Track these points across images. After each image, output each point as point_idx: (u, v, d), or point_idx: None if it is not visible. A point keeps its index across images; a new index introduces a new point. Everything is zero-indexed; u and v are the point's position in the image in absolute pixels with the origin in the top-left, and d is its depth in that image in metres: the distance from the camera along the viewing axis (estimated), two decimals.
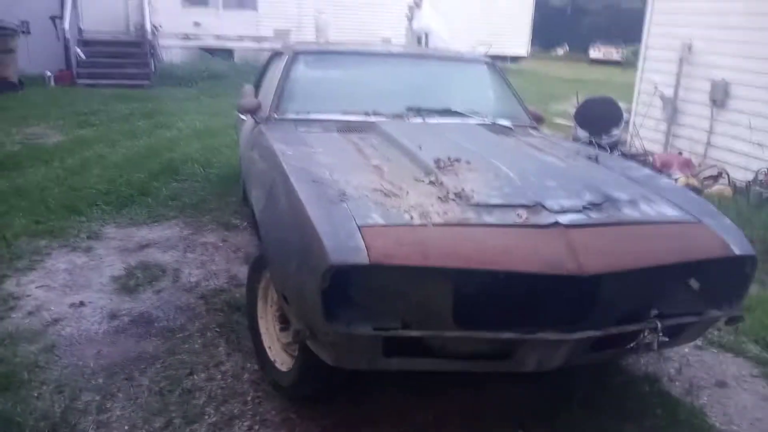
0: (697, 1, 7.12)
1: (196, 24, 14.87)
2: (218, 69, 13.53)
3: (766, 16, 6.19)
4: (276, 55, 4.45)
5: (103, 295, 3.47)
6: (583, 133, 7.26)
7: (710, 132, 6.88)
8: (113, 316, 3.23)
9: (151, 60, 12.76)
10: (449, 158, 2.63)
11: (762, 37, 6.21)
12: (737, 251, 2.27)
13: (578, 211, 2.21)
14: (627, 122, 7.95)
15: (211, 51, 14.80)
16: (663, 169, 6.45)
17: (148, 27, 12.95)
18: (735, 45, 6.56)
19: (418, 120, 3.51)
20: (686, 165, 6.63)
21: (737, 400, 2.81)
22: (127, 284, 3.59)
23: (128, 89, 11.37)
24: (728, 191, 5.98)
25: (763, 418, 2.68)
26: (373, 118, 3.43)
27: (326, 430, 2.43)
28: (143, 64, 12.57)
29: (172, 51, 14.25)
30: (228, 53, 15.02)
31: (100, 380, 2.66)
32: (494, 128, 3.51)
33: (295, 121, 3.42)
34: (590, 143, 6.64)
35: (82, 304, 3.34)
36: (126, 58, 12.60)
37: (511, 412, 2.58)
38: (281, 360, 2.60)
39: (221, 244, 4.32)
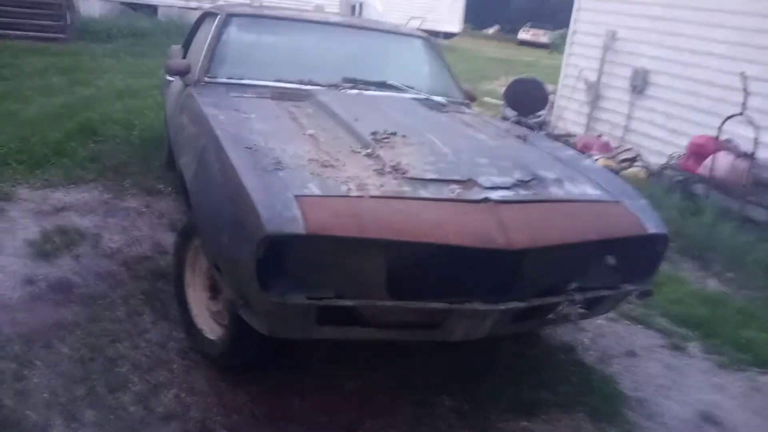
0: None
1: None
2: (141, 26, 12.86)
3: (686, 8, 6.51)
4: (207, 15, 4.28)
5: (17, 259, 3.29)
6: (511, 113, 7.44)
7: (629, 117, 7.22)
8: (29, 281, 3.07)
9: (67, 12, 11.96)
10: (386, 131, 2.65)
11: (682, 29, 6.54)
12: (651, 230, 2.42)
13: (508, 188, 2.29)
14: (552, 104, 8.21)
15: (133, 6, 14.04)
16: (584, 150, 6.73)
17: None
18: (656, 35, 6.87)
19: (354, 91, 3.49)
20: (605, 147, 6.95)
21: (644, 369, 3.02)
22: (43, 248, 3.41)
23: (42, 42, 10.64)
24: (643, 173, 6.33)
25: (666, 384, 2.90)
26: (308, 87, 3.39)
27: (255, 397, 2.43)
28: (59, 15, 11.76)
29: (91, 4, 13.41)
30: (152, 9, 14.29)
31: (16, 348, 2.54)
32: (429, 104, 3.55)
33: (226, 85, 3.32)
34: (519, 123, 6.83)
35: None
36: (40, 9, 11.74)
37: (437, 382, 2.66)
38: (210, 329, 2.57)
39: (144, 210, 4.17)
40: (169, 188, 4.54)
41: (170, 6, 14.29)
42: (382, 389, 2.59)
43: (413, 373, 2.71)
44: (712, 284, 4.09)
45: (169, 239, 3.58)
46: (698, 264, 4.36)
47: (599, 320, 3.35)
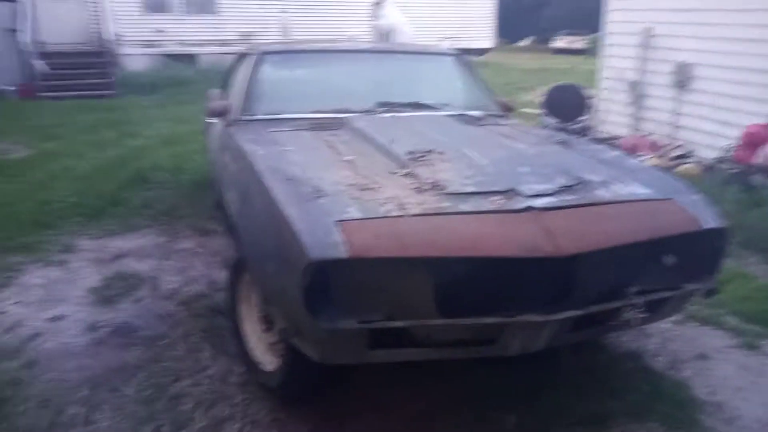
0: None
1: (158, 30, 14.68)
2: (182, 75, 13.36)
3: None
4: (242, 56, 4.41)
5: (81, 307, 3.41)
6: (551, 121, 7.35)
7: (675, 113, 7.02)
8: (92, 327, 3.18)
9: (113, 69, 12.56)
10: (422, 150, 2.65)
11: (718, 18, 6.35)
12: (708, 225, 2.32)
13: (551, 195, 2.24)
14: (594, 108, 8.06)
15: (174, 57, 14.62)
16: (632, 151, 6.57)
17: (110, 36, 12.75)
18: (694, 27, 6.69)
19: (389, 115, 3.52)
20: (654, 146, 6.76)
21: (719, 371, 2.87)
22: (105, 295, 3.53)
23: (92, 100, 11.18)
24: (696, 169, 6.11)
25: (743, 386, 2.75)
26: (343, 115, 3.43)
27: (316, 427, 2.43)
28: (105, 73, 12.36)
29: (135, 59, 14.05)
30: (192, 58, 14.85)
31: (85, 392, 2.62)
32: (464, 119, 3.54)
33: (264, 121, 3.40)
34: (560, 129, 6.73)
35: (60, 317, 3.28)
36: (88, 69, 12.36)
37: (498, 398, 2.60)
38: (267, 360, 2.59)
39: (199, 250, 4.28)
40: (221, 227, 4.65)
41: (209, 54, 14.82)
42: (443, 408, 2.54)
43: (473, 390, 2.66)
44: None
45: (223, 276, 3.65)
46: (765, 257, 4.15)
47: (665, 324, 3.22)
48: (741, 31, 6.12)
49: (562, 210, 2.19)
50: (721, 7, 6.34)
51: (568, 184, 2.35)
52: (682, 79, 6.83)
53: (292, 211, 2.11)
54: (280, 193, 2.26)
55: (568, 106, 6.99)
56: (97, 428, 2.40)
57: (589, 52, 21.54)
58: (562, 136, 3.38)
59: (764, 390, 2.72)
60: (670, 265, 2.46)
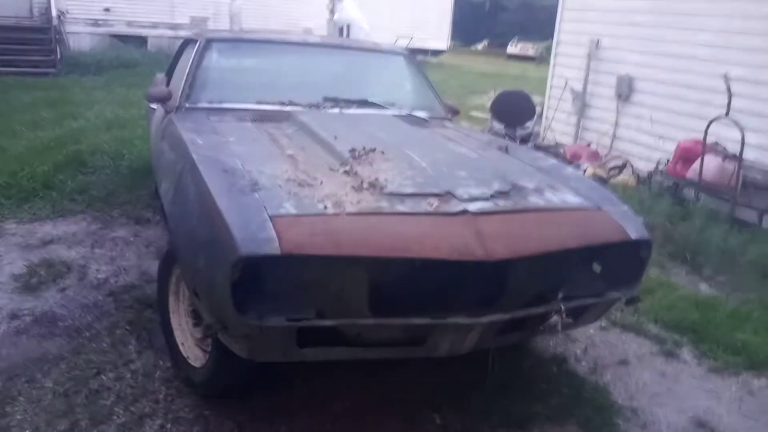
0: None
1: (107, 9, 14.16)
2: (130, 57, 12.95)
3: (667, 14, 6.57)
4: (188, 42, 4.31)
5: (3, 294, 3.26)
6: (498, 126, 7.48)
7: (616, 125, 7.25)
8: (14, 316, 3.05)
9: (57, 47, 12.06)
10: (364, 148, 2.65)
11: (663, 35, 6.59)
12: (634, 236, 2.40)
13: (486, 199, 2.27)
14: (540, 115, 8.24)
15: (123, 38, 14.16)
16: (573, 159, 6.74)
17: (54, 12, 12.23)
18: (639, 41, 6.92)
19: (335, 110, 3.50)
20: (594, 156, 6.96)
21: (638, 377, 2.98)
22: (29, 282, 3.39)
23: (32, 77, 10.71)
24: (632, 181, 6.33)
25: (660, 392, 2.86)
26: (288, 108, 3.40)
27: (241, 425, 2.40)
28: (48, 51, 11.86)
29: (80, 37, 13.53)
30: (141, 41, 14.41)
31: (0, 383, 2.51)
32: (410, 119, 3.55)
33: (207, 110, 3.33)
34: (506, 135, 6.85)
35: None
36: (30, 45, 11.84)
37: (427, 398, 2.63)
38: (194, 356, 2.55)
39: (132, 239, 4.16)
40: (158, 216, 4.53)
41: (159, 36, 14.42)
42: (371, 408, 2.55)
43: (402, 391, 2.68)
44: (704, 288, 4.07)
45: (155, 267, 3.55)
46: (689, 268, 4.33)
47: (591, 330, 3.33)
48: (682, 48, 6.36)
49: (495, 215, 2.23)
50: (665, 24, 6.58)
51: (503, 189, 2.39)
52: (624, 91, 7.06)
53: (225, 203, 2.07)
54: (214, 184, 2.21)
55: (515, 111, 7.12)
56: (9, 421, 2.30)
57: (540, 59, 22.02)
58: (503, 141, 3.44)
59: (679, 396, 2.84)
60: (596, 272, 2.55)
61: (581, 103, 7.71)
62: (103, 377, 2.60)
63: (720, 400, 2.84)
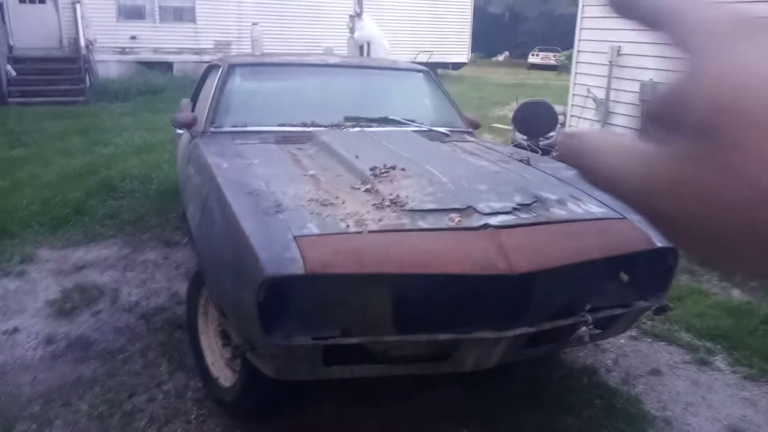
0: None
1: (133, 37, 14.58)
2: (157, 83, 13.28)
3: None
4: (212, 67, 4.41)
5: (38, 319, 3.36)
6: (521, 137, 7.45)
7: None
8: (49, 341, 3.13)
9: (85, 75, 12.42)
10: (385, 166, 2.67)
11: None
12: (659, 244, 2.37)
13: (508, 213, 2.28)
14: (563, 124, 8.19)
15: (149, 65, 14.52)
16: None
17: (82, 42, 12.62)
18: (660, 47, 6.82)
19: (356, 129, 3.54)
20: None
21: (671, 387, 2.93)
22: (63, 307, 3.48)
23: (63, 106, 11.03)
24: None
25: (694, 402, 2.81)
26: (310, 129, 3.45)
27: None
28: (78, 80, 12.22)
29: (108, 65, 13.93)
30: (167, 66, 14.76)
31: (36, 408, 2.58)
32: (430, 135, 3.58)
33: (231, 133, 3.40)
34: (527, 146, 6.82)
35: (16, 330, 3.23)
36: (60, 75, 12.22)
37: (454, 414, 2.62)
38: (224, 376, 2.58)
39: (162, 262, 4.24)
40: (186, 239, 4.61)
41: (184, 61, 14.75)
42: (400, 424, 2.55)
43: (430, 406, 2.68)
44: (736, 294, 3.98)
45: (185, 289, 3.62)
46: (720, 274, 4.25)
47: (621, 339, 3.28)
48: None
49: (518, 228, 2.23)
50: None
51: (525, 202, 2.39)
52: (648, 97, 6.99)
53: (249, 225, 2.11)
54: (239, 206, 2.25)
55: (537, 122, 7.07)
56: None
57: (562, 68, 21.91)
58: (525, 153, 3.44)
59: (713, 405, 2.78)
60: (623, 282, 2.53)
61: (605, 111, 7.65)
62: (136, 399, 2.65)
63: (756, 408, 2.78)
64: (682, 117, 0.26)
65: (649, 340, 3.35)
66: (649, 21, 0.31)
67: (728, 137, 0.25)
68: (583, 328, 2.28)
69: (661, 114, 0.27)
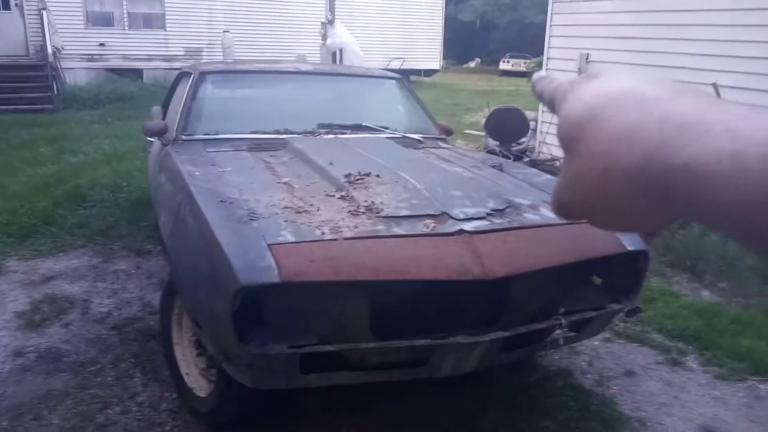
0: (593, 14, 7.56)
1: (102, 44, 14.37)
2: (126, 90, 13.08)
3: (654, 26, 6.65)
4: (183, 75, 4.37)
5: (7, 332, 3.28)
6: (493, 143, 7.52)
7: None
8: (18, 353, 3.06)
9: (53, 83, 12.18)
10: (359, 172, 2.68)
11: (653, 46, 6.66)
12: (630, 247, 2.42)
13: (482, 218, 2.30)
14: (534, 130, 8.29)
15: (118, 71, 14.32)
16: None
17: (50, 49, 12.38)
18: (628, 54, 6.99)
19: (330, 136, 3.54)
20: None
21: (644, 387, 2.98)
22: (33, 319, 3.41)
23: (31, 114, 10.80)
24: None
25: (667, 402, 2.86)
26: (284, 136, 3.44)
27: None
28: (45, 87, 11.98)
29: (76, 73, 13.69)
30: (137, 73, 14.57)
31: (5, 423, 2.51)
32: (404, 142, 3.59)
33: (203, 141, 3.37)
34: (499, 152, 6.89)
35: None
36: (27, 83, 11.96)
37: (434, 420, 2.63)
38: (200, 386, 2.55)
39: (134, 271, 4.18)
40: (158, 248, 4.54)
41: (155, 68, 14.58)
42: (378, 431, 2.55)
43: (408, 412, 2.68)
44: (706, 295, 4.07)
45: (158, 298, 3.57)
46: (690, 276, 4.34)
47: (595, 342, 3.33)
48: (671, 59, 6.43)
49: (492, 233, 2.25)
50: (654, 35, 6.66)
51: (499, 207, 2.42)
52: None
53: (223, 234, 2.09)
54: (212, 215, 2.23)
55: (509, 128, 7.15)
56: None
57: (532, 74, 22.22)
58: (498, 159, 3.47)
59: (686, 405, 2.84)
60: (595, 285, 2.57)
61: None
62: (110, 411, 2.60)
63: (727, 406, 2.84)
64: (561, 141, 0.40)
65: (622, 341, 3.40)
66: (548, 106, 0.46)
67: (578, 145, 0.38)
68: (558, 331, 2.31)
69: (559, 139, 0.40)
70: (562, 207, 0.42)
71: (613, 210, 0.38)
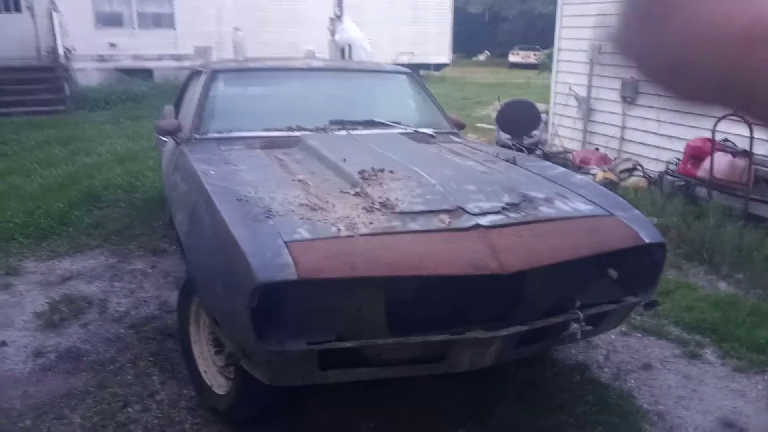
0: (605, 3, 7.49)
1: (112, 45, 14.44)
2: (137, 90, 13.15)
3: None
4: (195, 74, 4.38)
5: (27, 332, 3.32)
6: (505, 136, 7.50)
7: (623, 127, 7.24)
8: (38, 353, 3.09)
9: (65, 84, 12.27)
10: (373, 169, 2.68)
11: None
12: (647, 240, 2.41)
13: (497, 213, 2.29)
14: (546, 123, 8.25)
15: (129, 71, 14.39)
16: (582, 165, 6.74)
17: (61, 50, 12.46)
18: None
19: (342, 132, 3.54)
20: (603, 160, 6.95)
21: (662, 381, 2.96)
22: (52, 319, 3.44)
23: (43, 116, 10.89)
24: (643, 182, 6.31)
25: (685, 395, 2.84)
26: (297, 133, 3.44)
27: None
28: (57, 88, 12.07)
29: (88, 73, 13.76)
30: (147, 73, 14.63)
31: (28, 422, 2.55)
32: (416, 137, 3.59)
33: (217, 140, 3.38)
34: (512, 146, 6.87)
35: (4, 343, 3.18)
36: (39, 84, 12.05)
37: (451, 414, 2.63)
38: (218, 383, 2.57)
39: (150, 270, 4.21)
40: (174, 246, 4.57)
41: (165, 68, 14.62)
42: (395, 427, 2.56)
43: (426, 408, 2.68)
44: (723, 287, 4.03)
45: (174, 297, 3.59)
46: (707, 268, 4.30)
47: (612, 335, 3.31)
48: None
49: (507, 227, 2.25)
50: None
51: (514, 201, 2.41)
52: (629, 94, 7.06)
53: (240, 232, 2.11)
54: (229, 214, 2.25)
55: (521, 121, 7.13)
56: None
57: (542, 67, 22.06)
58: (511, 152, 3.46)
59: (705, 398, 2.82)
60: (612, 279, 2.55)
61: (587, 108, 7.71)
62: (130, 410, 2.63)
63: (746, 399, 2.82)
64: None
65: (639, 335, 3.38)
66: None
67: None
68: (575, 325, 2.30)
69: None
70: (642, 60, 0.45)
71: (692, 67, 0.41)
